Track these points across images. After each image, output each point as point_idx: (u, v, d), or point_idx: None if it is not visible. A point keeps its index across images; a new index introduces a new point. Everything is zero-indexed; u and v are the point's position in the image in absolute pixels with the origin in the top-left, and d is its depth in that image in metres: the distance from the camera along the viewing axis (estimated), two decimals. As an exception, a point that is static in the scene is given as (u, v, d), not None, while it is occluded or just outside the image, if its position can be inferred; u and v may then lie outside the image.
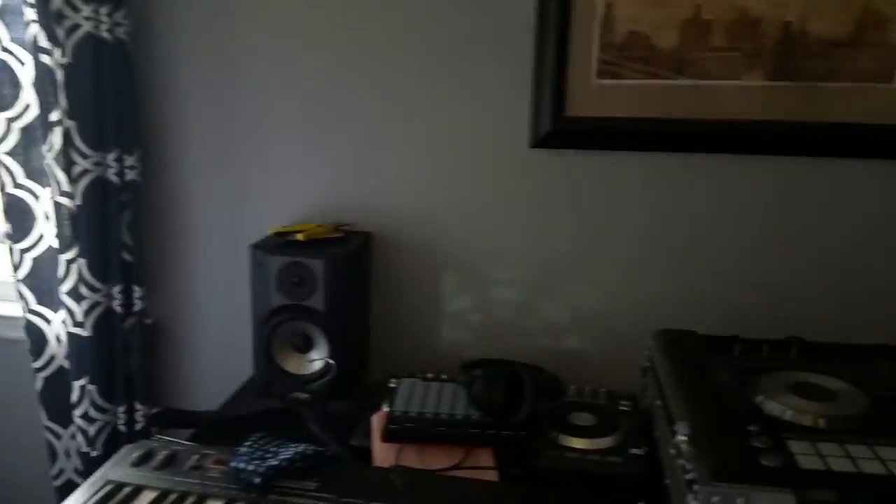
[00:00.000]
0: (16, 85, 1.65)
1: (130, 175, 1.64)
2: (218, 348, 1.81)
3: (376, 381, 1.52)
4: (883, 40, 1.30)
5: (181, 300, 1.81)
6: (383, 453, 1.19)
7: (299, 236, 1.52)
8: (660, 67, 1.41)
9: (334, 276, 1.45)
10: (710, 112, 1.40)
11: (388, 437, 1.19)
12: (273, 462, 1.09)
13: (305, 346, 1.51)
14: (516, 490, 1.08)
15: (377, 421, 1.25)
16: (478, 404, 1.24)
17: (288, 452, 1.12)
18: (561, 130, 1.47)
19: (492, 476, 1.13)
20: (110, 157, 1.62)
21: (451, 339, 1.65)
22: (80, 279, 1.66)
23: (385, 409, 1.28)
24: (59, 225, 1.65)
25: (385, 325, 1.67)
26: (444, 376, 1.42)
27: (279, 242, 1.52)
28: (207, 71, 1.65)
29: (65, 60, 1.55)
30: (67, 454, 1.82)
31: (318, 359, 1.49)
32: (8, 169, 1.69)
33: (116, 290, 1.69)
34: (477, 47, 1.49)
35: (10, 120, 1.67)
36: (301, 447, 1.14)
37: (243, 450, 1.14)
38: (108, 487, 1.07)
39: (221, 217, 1.72)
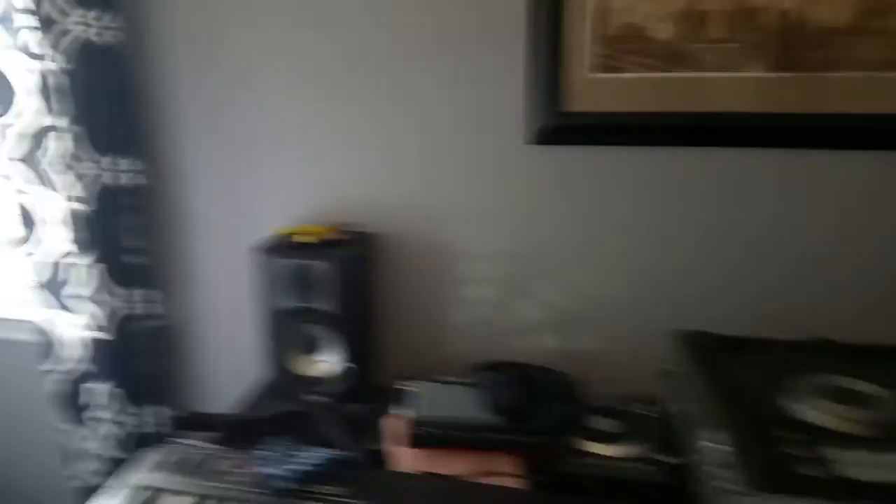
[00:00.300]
0: (21, 91, 1.54)
1: (137, 179, 1.57)
2: (228, 351, 1.74)
3: (383, 384, 1.45)
4: (886, 27, 1.23)
5: (190, 304, 1.74)
6: (405, 458, 1.12)
7: (304, 238, 1.45)
8: (657, 60, 1.34)
9: (342, 277, 1.39)
10: (709, 105, 1.33)
11: (415, 442, 1.12)
12: (301, 466, 1.03)
13: (314, 349, 1.45)
14: (544, 497, 1.03)
15: (396, 425, 1.19)
16: (500, 409, 1.17)
17: (314, 457, 1.06)
18: (556, 126, 1.39)
19: (518, 483, 1.07)
20: (118, 162, 1.55)
21: (457, 339, 1.58)
22: (93, 283, 1.59)
23: (404, 412, 1.22)
24: (72, 230, 1.56)
25: (389, 327, 1.60)
26: (460, 379, 1.34)
27: (284, 244, 1.45)
28: (205, 74, 1.56)
29: (63, 66, 1.46)
30: (83, 457, 1.75)
31: (333, 361, 1.42)
32: (17, 175, 1.59)
33: (129, 294, 1.62)
34: (471, 45, 1.42)
35: (17, 126, 1.56)
36: (327, 451, 1.08)
37: (269, 454, 1.08)
38: (132, 491, 1.02)
39: (227, 220, 1.65)
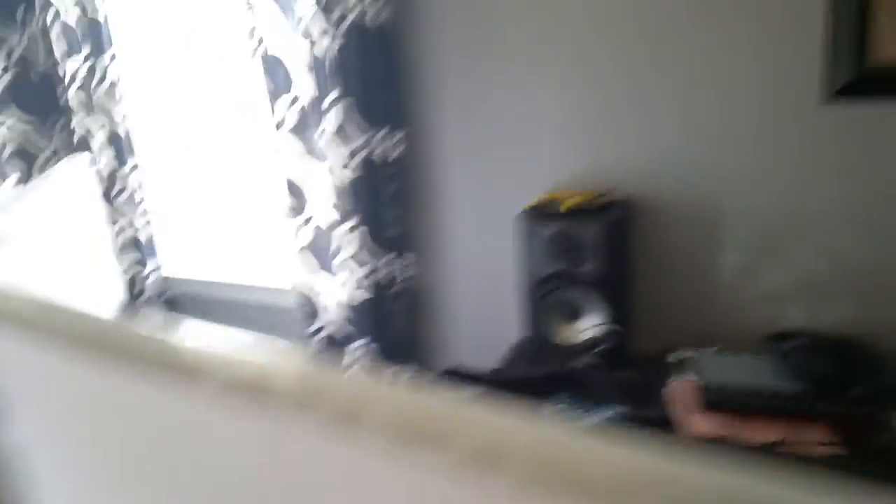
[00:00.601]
0: (295, 70, 1.63)
1: (398, 150, 1.60)
2: (482, 313, 1.75)
3: (645, 350, 1.39)
4: None
5: (444, 268, 1.76)
6: (697, 424, 1.06)
7: (566, 203, 1.41)
8: None
9: (607, 241, 1.34)
10: None
11: (711, 407, 1.06)
12: (596, 423, 0.99)
13: (573, 314, 1.42)
14: (863, 469, 0.92)
15: (683, 391, 1.13)
16: (809, 378, 1.07)
17: (604, 414, 1.02)
18: (864, 80, 1.21)
19: (830, 452, 0.97)
20: (381, 135, 1.59)
21: (721, 307, 1.48)
22: (357, 248, 1.65)
23: (691, 378, 1.15)
24: (338, 198, 1.63)
25: (649, 294, 1.53)
26: (745, 347, 1.24)
27: (547, 210, 1.42)
28: (466, 45, 1.57)
29: (338, 45, 1.52)
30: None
31: (595, 326, 1.38)
32: (288, 148, 1.69)
33: (388, 258, 1.67)
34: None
35: (291, 102, 1.66)
36: (615, 409, 1.04)
37: (560, 409, 1.05)
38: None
39: (484, 187, 1.65)
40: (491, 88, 1.56)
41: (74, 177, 1.29)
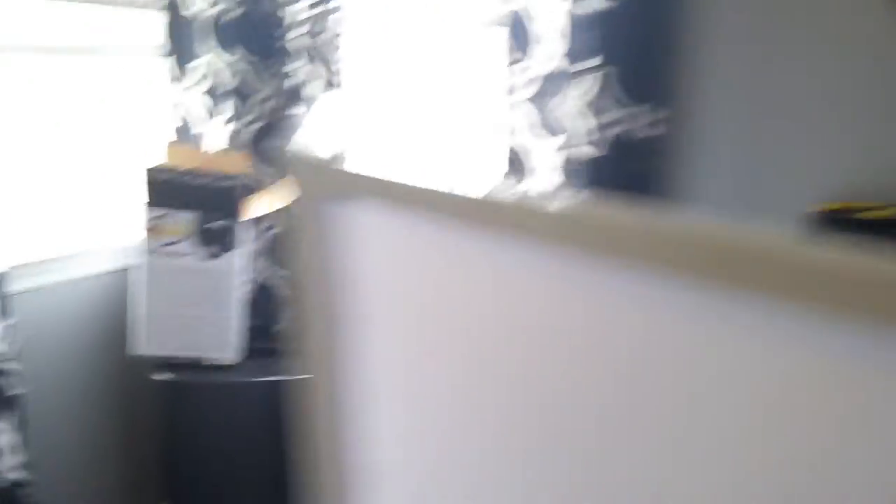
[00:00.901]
0: (545, 32, 1.46)
1: (657, 131, 1.39)
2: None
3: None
4: None
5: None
6: None
7: (871, 214, 1.17)
8: None
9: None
10: None
11: None
12: None
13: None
14: None
15: None
16: None
17: None
18: None
19: None
20: (642, 110, 1.39)
21: None
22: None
23: None
24: (568, 177, 1.44)
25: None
26: None
27: (845, 219, 1.18)
28: (753, 14, 1.34)
29: (606, 5, 1.34)
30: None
31: None
32: (519, 117, 1.51)
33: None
34: None
35: (534, 68, 1.48)
36: None
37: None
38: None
39: (748, 185, 1.43)
40: (777, 70, 1.34)
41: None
